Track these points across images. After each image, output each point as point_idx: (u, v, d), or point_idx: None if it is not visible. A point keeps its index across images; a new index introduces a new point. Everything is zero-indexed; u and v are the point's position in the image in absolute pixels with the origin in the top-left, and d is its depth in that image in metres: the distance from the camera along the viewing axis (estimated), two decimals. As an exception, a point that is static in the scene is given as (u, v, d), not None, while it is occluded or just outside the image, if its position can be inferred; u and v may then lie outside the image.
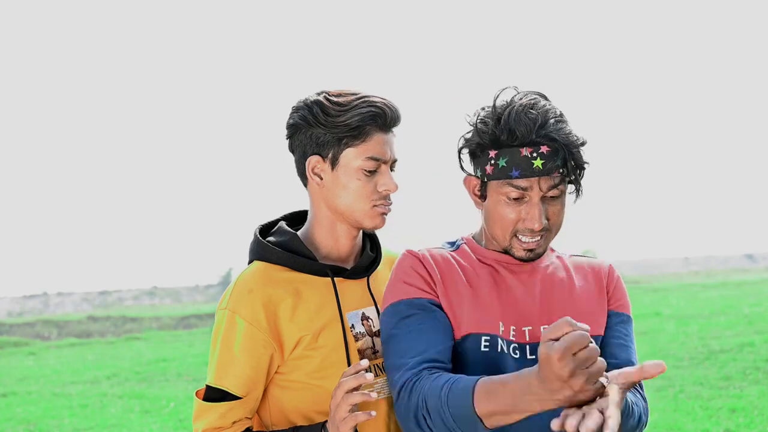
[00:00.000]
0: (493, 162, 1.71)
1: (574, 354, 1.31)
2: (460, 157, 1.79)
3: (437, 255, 1.80)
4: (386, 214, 1.86)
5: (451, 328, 1.72)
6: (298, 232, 1.89)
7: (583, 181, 1.74)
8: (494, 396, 1.48)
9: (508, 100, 1.72)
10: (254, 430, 1.85)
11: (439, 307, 1.73)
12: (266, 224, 1.96)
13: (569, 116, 1.74)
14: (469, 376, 1.60)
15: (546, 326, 1.74)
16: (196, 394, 1.81)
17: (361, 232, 1.92)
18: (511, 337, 1.72)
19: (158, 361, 12.56)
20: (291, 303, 1.79)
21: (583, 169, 1.73)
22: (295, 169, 1.90)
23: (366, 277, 1.90)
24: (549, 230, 1.74)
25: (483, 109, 1.75)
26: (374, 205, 1.83)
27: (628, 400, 1.62)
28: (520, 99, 1.71)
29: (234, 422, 1.77)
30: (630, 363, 1.77)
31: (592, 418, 1.32)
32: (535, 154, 1.67)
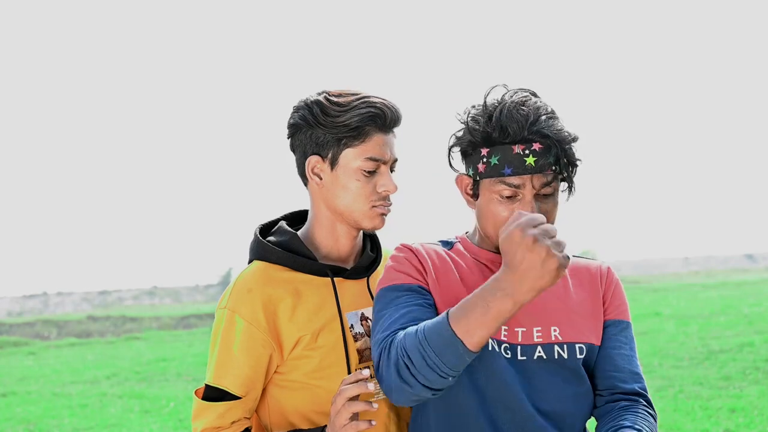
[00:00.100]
0: (485, 160, 1.70)
1: (534, 227, 1.42)
2: (450, 156, 1.78)
3: (431, 250, 1.80)
4: (385, 215, 1.85)
5: (437, 312, 1.71)
6: (299, 232, 1.89)
7: (576, 178, 1.73)
8: (467, 308, 1.49)
9: (499, 98, 1.71)
10: (253, 431, 1.85)
11: (429, 293, 1.72)
12: (266, 224, 1.96)
13: (569, 116, 1.73)
14: None
15: (539, 328, 1.74)
16: (196, 392, 1.81)
17: (361, 232, 1.92)
18: (502, 337, 1.72)
19: (158, 361, 12.56)
20: (290, 303, 1.79)
21: (576, 165, 1.72)
22: (295, 169, 1.90)
23: (366, 278, 1.90)
24: None
25: (474, 107, 1.74)
26: (373, 206, 1.83)
27: (644, 429, 1.63)
28: (511, 96, 1.70)
29: (233, 422, 1.77)
30: (633, 374, 1.77)
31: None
32: (527, 151, 1.66)
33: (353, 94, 1.81)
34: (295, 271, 1.83)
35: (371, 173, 1.81)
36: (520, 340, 1.73)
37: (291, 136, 1.87)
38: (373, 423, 1.57)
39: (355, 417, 1.62)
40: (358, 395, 1.60)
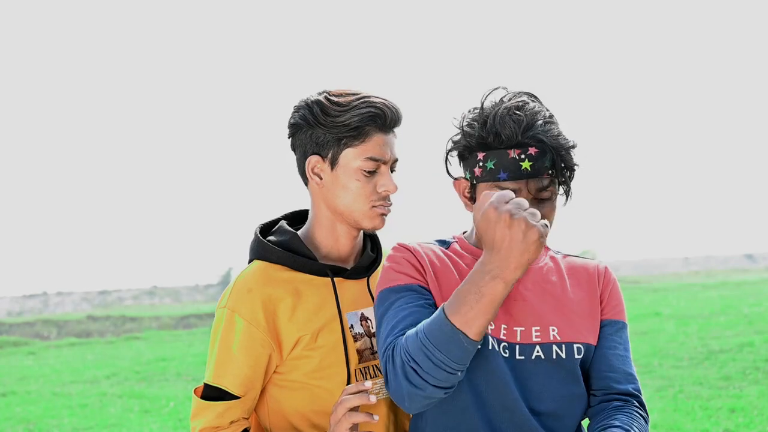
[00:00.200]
0: (481, 164, 1.70)
1: (506, 203, 1.44)
2: (447, 160, 1.78)
3: (429, 249, 1.79)
4: (385, 215, 1.85)
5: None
6: (299, 232, 1.89)
7: (574, 183, 1.73)
8: (461, 299, 1.50)
9: (497, 101, 1.71)
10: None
11: (429, 293, 1.72)
12: (267, 223, 1.96)
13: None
14: None
15: (537, 327, 1.74)
16: (195, 391, 1.81)
17: (361, 232, 1.91)
18: (501, 336, 1.72)
19: (158, 361, 12.55)
20: (290, 303, 1.78)
21: (573, 171, 1.71)
22: (296, 169, 1.90)
23: (366, 278, 1.90)
24: None
25: (471, 111, 1.74)
26: (373, 206, 1.82)
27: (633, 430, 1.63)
28: (509, 100, 1.70)
29: (232, 422, 1.77)
30: (628, 375, 1.77)
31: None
32: (523, 156, 1.66)
33: (354, 94, 1.81)
34: (295, 271, 1.83)
35: (371, 173, 1.81)
36: (518, 339, 1.73)
37: (291, 135, 1.87)
38: None
39: (355, 427, 1.62)
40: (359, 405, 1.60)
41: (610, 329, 1.80)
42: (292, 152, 1.89)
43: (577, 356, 1.74)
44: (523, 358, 1.71)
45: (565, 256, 1.89)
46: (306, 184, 1.89)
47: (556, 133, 1.67)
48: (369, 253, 1.93)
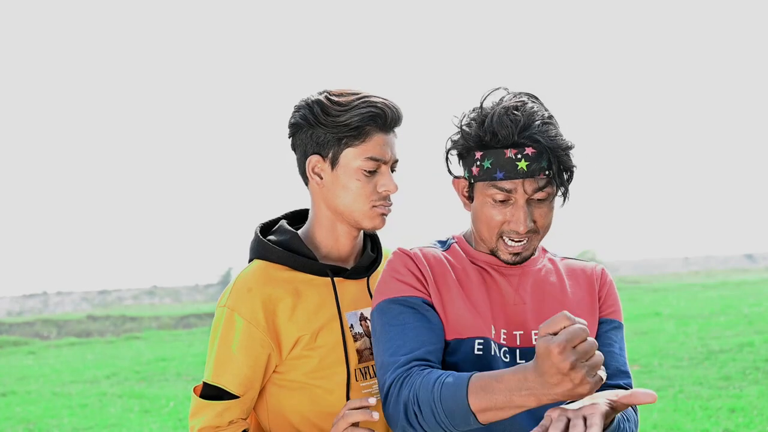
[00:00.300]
0: (478, 163, 1.69)
1: (574, 347, 1.33)
2: (447, 159, 1.78)
3: (429, 254, 1.79)
4: (386, 215, 1.85)
5: (443, 329, 1.71)
6: (299, 232, 1.89)
7: (572, 184, 1.72)
8: (489, 391, 1.48)
9: (496, 101, 1.71)
10: None
11: (432, 306, 1.72)
12: (267, 223, 1.96)
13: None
14: (461, 372, 1.61)
15: (537, 331, 1.73)
16: (194, 390, 1.80)
17: (361, 232, 1.91)
18: (501, 341, 1.72)
19: (158, 361, 12.55)
20: (290, 302, 1.78)
21: (571, 172, 1.70)
22: (296, 169, 1.90)
23: (366, 278, 1.90)
24: (536, 232, 1.72)
25: (470, 110, 1.74)
26: (374, 206, 1.82)
27: (618, 417, 1.61)
28: (508, 101, 1.69)
29: (230, 422, 1.77)
30: (620, 372, 1.77)
31: (577, 429, 1.34)
32: (519, 156, 1.65)
33: (354, 94, 1.81)
34: (295, 271, 1.83)
35: (372, 173, 1.81)
36: (518, 343, 1.73)
37: (292, 135, 1.87)
38: None
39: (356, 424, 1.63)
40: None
41: (606, 327, 1.80)
42: (293, 152, 1.89)
43: None
44: (523, 362, 1.71)
45: (563, 258, 1.89)
46: (306, 183, 1.89)
47: (553, 134, 1.66)
48: (369, 253, 1.92)
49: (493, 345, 1.70)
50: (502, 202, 1.69)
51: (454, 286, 1.74)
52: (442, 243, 1.85)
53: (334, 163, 1.81)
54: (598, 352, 1.36)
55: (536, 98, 1.73)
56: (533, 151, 1.65)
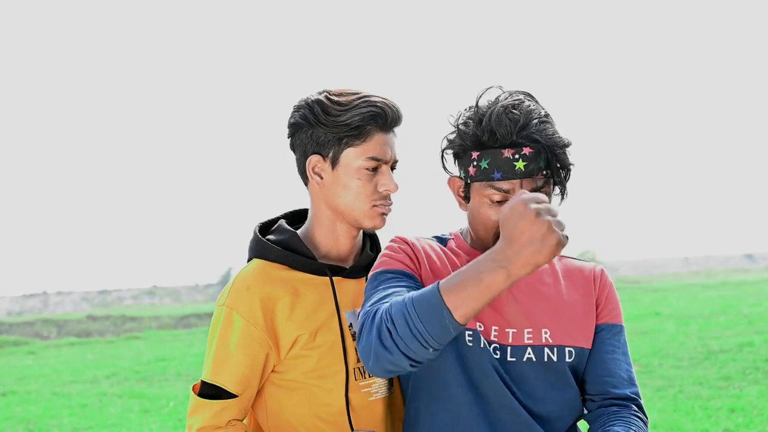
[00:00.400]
0: (475, 163, 1.69)
1: (537, 203, 1.41)
2: (443, 158, 1.78)
3: (426, 244, 1.80)
4: (386, 215, 1.85)
5: None
6: (298, 231, 1.89)
7: (570, 182, 1.71)
8: (459, 280, 1.46)
9: (493, 100, 1.70)
10: None
11: (421, 283, 1.72)
12: (266, 222, 1.96)
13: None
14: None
15: (530, 329, 1.73)
16: (193, 388, 1.80)
17: (361, 231, 1.91)
18: (492, 338, 1.72)
19: (158, 361, 12.55)
20: (289, 302, 1.78)
21: (568, 170, 1.70)
22: (295, 168, 1.90)
23: (365, 277, 1.90)
24: None
25: (466, 109, 1.73)
26: (374, 205, 1.82)
27: None
28: (504, 99, 1.69)
29: (229, 422, 1.77)
30: (626, 379, 1.76)
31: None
32: (517, 156, 1.64)
33: (354, 94, 1.81)
34: (294, 270, 1.83)
35: (372, 172, 1.81)
36: (510, 341, 1.73)
37: (291, 135, 1.87)
38: None
39: None
40: None
41: (608, 333, 1.79)
42: (292, 152, 1.89)
43: (568, 359, 1.74)
44: (514, 360, 1.71)
45: (562, 257, 1.88)
46: (306, 183, 1.89)
47: (551, 133, 1.66)
48: (368, 253, 1.92)
49: (482, 339, 1.69)
50: (498, 202, 1.68)
51: (448, 274, 1.74)
52: (439, 239, 1.85)
53: (334, 163, 1.81)
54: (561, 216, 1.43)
55: (532, 96, 1.72)
56: (531, 150, 1.65)
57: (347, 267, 1.87)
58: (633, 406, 1.74)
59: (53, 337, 18.78)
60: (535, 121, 1.65)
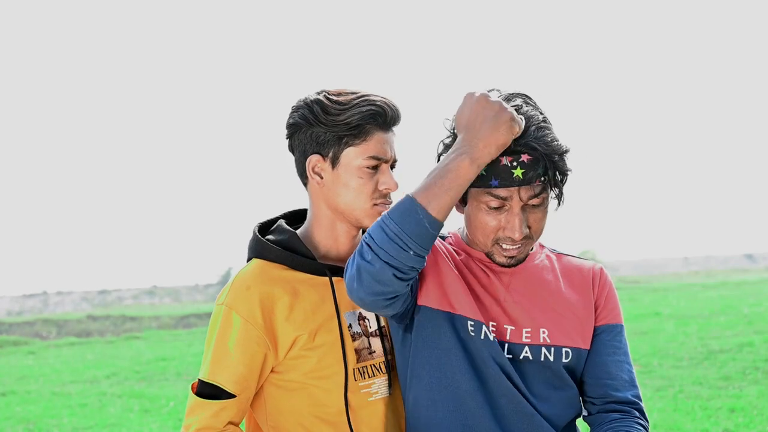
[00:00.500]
0: None
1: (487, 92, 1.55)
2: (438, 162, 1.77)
3: None
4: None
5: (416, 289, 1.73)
6: (297, 231, 1.89)
7: (570, 186, 1.71)
8: (427, 177, 1.54)
9: None
10: None
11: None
12: (265, 222, 1.96)
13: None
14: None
15: (528, 329, 1.73)
16: (192, 387, 1.80)
17: (360, 231, 1.91)
18: (489, 332, 1.72)
19: (158, 361, 12.55)
20: (288, 302, 1.78)
21: (566, 176, 1.69)
22: (294, 169, 1.90)
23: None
24: (530, 237, 1.72)
25: None
26: (375, 204, 1.82)
27: None
28: None
29: (227, 425, 1.76)
30: (627, 381, 1.76)
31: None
32: (515, 163, 1.63)
33: (353, 93, 1.81)
34: (294, 270, 1.83)
35: (373, 171, 1.81)
36: (508, 338, 1.73)
37: (290, 136, 1.86)
38: None
39: None
40: None
41: (608, 335, 1.78)
42: (291, 153, 1.89)
43: (564, 360, 1.74)
44: (510, 357, 1.71)
45: (561, 255, 1.88)
46: (305, 184, 1.89)
47: (549, 139, 1.64)
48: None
49: (484, 328, 1.69)
50: (496, 209, 1.67)
51: (450, 266, 1.74)
52: (440, 236, 1.85)
53: (334, 163, 1.81)
54: None
55: (529, 98, 1.70)
56: (529, 158, 1.63)
57: (347, 267, 1.87)
58: (635, 411, 1.74)
59: (53, 337, 18.77)
60: (533, 127, 1.64)
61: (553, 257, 1.86)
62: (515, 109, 1.65)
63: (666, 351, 10.09)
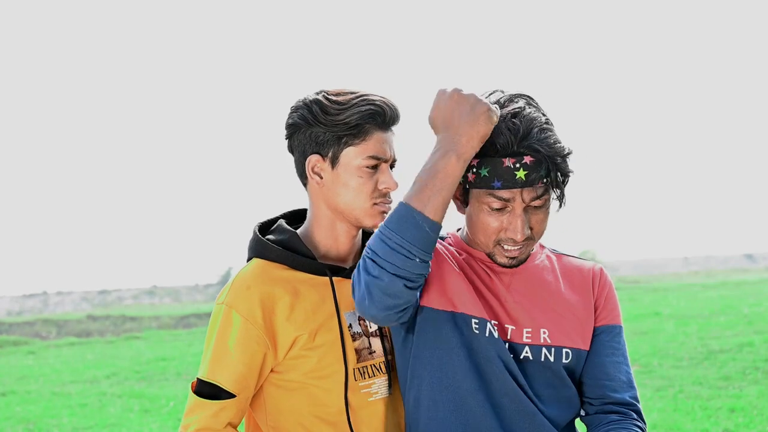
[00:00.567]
0: (474, 170, 1.68)
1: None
2: None
3: None
4: (386, 213, 1.85)
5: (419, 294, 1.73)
6: (298, 231, 1.89)
7: (570, 187, 1.71)
8: (416, 181, 1.57)
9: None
10: None
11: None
12: (265, 222, 1.96)
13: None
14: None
15: (528, 329, 1.74)
16: (191, 386, 1.79)
17: (360, 231, 1.91)
18: (490, 329, 1.72)
19: (158, 361, 12.55)
20: (288, 302, 1.78)
21: (568, 177, 1.69)
22: (294, 169, 1.90)
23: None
24: (532, 238, 1.72)
25: None
26: (374, 203, 1.82)
27: None
28: (505, 105, 1.67)
29: (226, 424, 1.76)
30: (625, 383, 1.76)
31: None
32: (518, 165, 1.64)
33: (352, 93, 1.81)
34: (294, 270, 1.83)
35: (372, 170, 1.81)
36: (509, 337, 1.73)
37: (290, 136, 1.87)
38: None
39: None
40: None
41: (607, 336, 1.79)
42: (290, 153, 1.89)
43: (564, 360, 1.74)
44: (511, 356, 1.71)
45: (561, 255, 1.88)
46: (305, 184, 1.89)
47: (552, 141, 1.64)
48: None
49: (488, 326, 1.70)
50: (498, 209, 1.68)
51: (453, 265, 1.75)
52: (439, 237, 1.85)
53: (334, 162, 1.81)
54: None
55: (532, 100, 1.70)
56: (532, 160, 1.64)
57: (347, 267, 1.87)
58: (632, 412, 1.74)
59: (53, 337, 18.77)
60: (536, 129, 1.64)
61: (554, 257, 1.86)
62: (517, 111, 1.66)
63: (666, 351, 10.09)
